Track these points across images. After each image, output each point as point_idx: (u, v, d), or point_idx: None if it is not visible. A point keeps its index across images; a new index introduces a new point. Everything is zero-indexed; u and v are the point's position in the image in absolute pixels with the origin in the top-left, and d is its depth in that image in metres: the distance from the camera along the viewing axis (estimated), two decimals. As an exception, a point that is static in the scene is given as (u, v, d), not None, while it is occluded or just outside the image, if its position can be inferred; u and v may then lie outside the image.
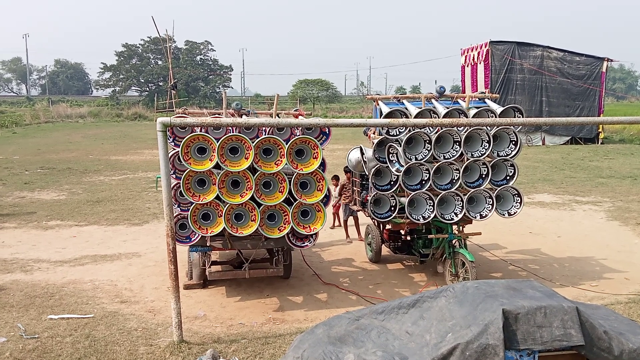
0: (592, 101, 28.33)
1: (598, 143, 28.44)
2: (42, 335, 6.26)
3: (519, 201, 7.82)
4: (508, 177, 7.85)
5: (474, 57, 29.24)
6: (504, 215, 7.83)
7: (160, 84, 69.40)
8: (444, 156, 7.58)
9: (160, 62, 70.48)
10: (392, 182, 7.87)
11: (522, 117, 7.73)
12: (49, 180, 17.19)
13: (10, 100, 79.87)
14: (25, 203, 13.86)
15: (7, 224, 11.66)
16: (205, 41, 74.65)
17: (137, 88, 73.93)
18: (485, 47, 27.91)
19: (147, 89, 72.07)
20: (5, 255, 9.45)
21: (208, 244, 7.38)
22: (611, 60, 29.02)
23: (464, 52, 30.73)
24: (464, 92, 21.99)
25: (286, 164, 6.87)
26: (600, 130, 28.69)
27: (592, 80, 28.27)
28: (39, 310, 7.01)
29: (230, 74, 77.02)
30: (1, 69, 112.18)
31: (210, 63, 75.06)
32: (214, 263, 8.17)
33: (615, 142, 29.36)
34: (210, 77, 73.64)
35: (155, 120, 6.04)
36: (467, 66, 30.18)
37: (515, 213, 7.81)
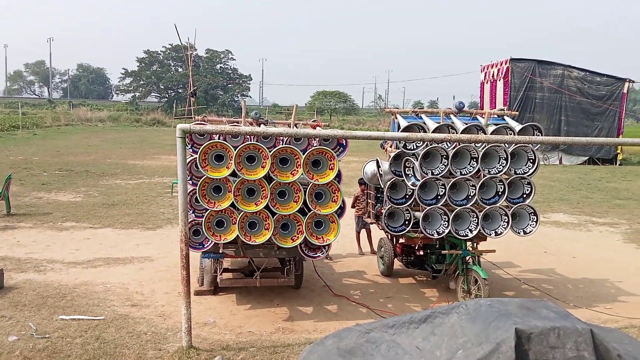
0: (611, 122, 28.09)
1: (616, 164, 28.15)
2: (52, 335, 6.30)
3: (535, 220, 7.75)
4: (524, 195, 7.78)
5: (493, 74, 29.17)
6: (519, 233, 7.76)
7: (180, 90, 70.05)
8: (460, 172, 7.54)
9: (180, 70, 71.23)
10: (407, 196, 7.84)
11: (541, 135, 7.68)
12: (66, 182, 17.38)
13: (32, 103, 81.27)
14: (42, 204, 14.01)
15: (23, 224, 11.79)
16: (226, 50, 75.37)
17: (156, 94, 74.71)
18: (506, 64, 27.84)
19: (167, 95, 72.80)
20: (20, 254, 9.55)
21: (221, 251, 7.39)
22: (633, 82, 28.77)
23: (483, 68, 30.68)
24: (483, 109, 21.95)
25: (302, 174, 6.88)
26: (618, 151, 28.42)
27: (612, 100, 28.04)
28: (51, 311, 7.06)
29: (249, 84, 77.59)
30: (25, 72, 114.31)
31: (229, 72, 75.64)
32: (226, 270, 8.18)
33: (634, 164, 29.03)
34: (230, 85, 74.17)
35: (174, 127, 6.10)
36: (487, 83, 30.12)
37: (530, 232, 7.74)
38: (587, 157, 28.23)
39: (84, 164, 22.06)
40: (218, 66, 74.86)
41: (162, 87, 72.78)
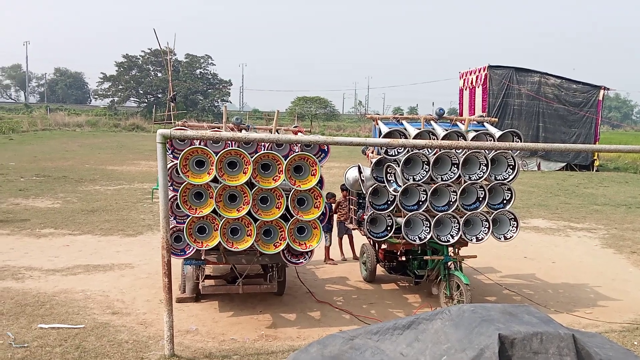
0: (588, 128, 28.50)
1: (593, 170, 28.56)
2: (31, 344, 6.19)
3: (515, 225, 7.82)
4: (505, 201, 7.85)
5: (472, 81, 29.44)
6: (500, 239, 7.83)
7: (159, 95, 69.63)
8: (441, 178, 7.59)
9: (160, 74, 70.75)
10: (389, 202, 7.86)
11: (521, 141, 7.77)
12: (44, 188, 17.12)
13: (8, 107, 80.00)
14: (19, 210, 13.78)
15: (0, 231, 11.58)
16: (206, 55, 75.17)
17: (135, 99, 74.13)
18: (484, 71, 28.11)
19: (146, 100, 72.28)
20: (-3, 262, 9.37)
21: (202, 258, 7.34)
22: (608, 89, 29.25)
23: (462, 75, 30.95)
24: (462, 115, 22.16)
25: (284, 180, 6.86)
26: (595, 157, 28.82)
27: (588, 107, 28.46)
28: (29, 319, 6.94)
29: (230, 89, 77.37)
30: (0, 76, 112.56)
31: (209, 77, 75.39)
32: (208, 277, 8.12)
33: (610, 170, 29.48)
34: (209, 90, 73.88)
35: (153, 132, 6.07)
36: (465, 89, 30.38)
37: (511, 237, 7.81)
38: (564, 164, 28.58)
39: (62, 169, 21.76)
40: (198, 71, 74.55)
41: (141, 91, 72.23)
